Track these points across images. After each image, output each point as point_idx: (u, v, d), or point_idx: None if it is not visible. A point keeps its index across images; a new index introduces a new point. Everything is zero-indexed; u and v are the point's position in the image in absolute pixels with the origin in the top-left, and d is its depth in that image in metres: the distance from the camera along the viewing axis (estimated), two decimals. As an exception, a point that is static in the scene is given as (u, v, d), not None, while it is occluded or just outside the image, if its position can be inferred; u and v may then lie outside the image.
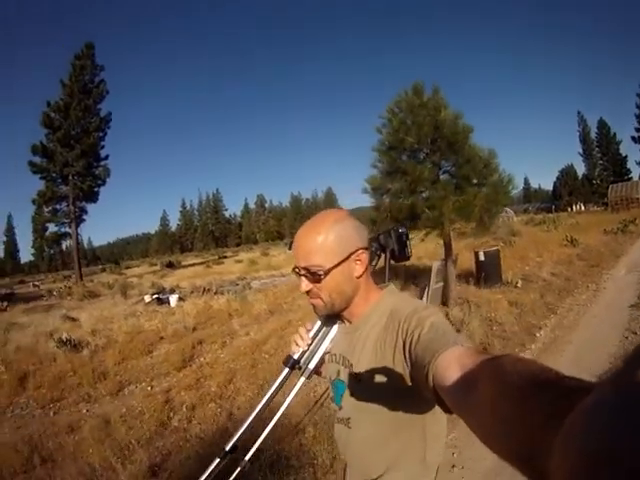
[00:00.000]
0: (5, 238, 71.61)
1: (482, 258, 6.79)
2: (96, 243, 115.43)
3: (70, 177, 20.69)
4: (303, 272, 0.76)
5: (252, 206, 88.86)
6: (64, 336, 5.87)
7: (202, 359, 4.95)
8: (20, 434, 3.33)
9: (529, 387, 0.33)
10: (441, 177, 5.34)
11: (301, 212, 78.87)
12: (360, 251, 0.76)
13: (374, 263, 0.89)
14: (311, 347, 0.91)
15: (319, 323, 0.91)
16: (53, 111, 20.43)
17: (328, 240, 0.74)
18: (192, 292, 10.94)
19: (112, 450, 2.77)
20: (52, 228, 22.10)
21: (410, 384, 0.68)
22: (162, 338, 6.06)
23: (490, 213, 4.94)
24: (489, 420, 0.38)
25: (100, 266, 50.84)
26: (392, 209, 5.00)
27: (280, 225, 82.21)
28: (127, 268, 37.85)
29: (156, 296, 10.34)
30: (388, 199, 5.13)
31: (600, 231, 14.10)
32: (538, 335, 4.32)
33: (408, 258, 0.97)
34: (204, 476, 0.93)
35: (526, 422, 0.31)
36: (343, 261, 0.74)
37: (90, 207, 22.05)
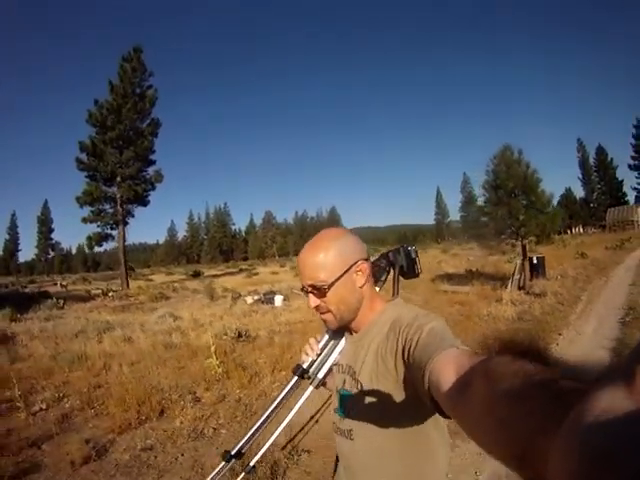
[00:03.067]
0: (8, 236, 74.06)
1: (535, 261, 11.46)
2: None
3: (119, 179, 23.53)
4: (309, 289, 0.90)
5: (256, 222, 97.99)
6: (236, 329, 6.95)
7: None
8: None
9: (525, 388, 0.37)
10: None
11: (306, 230, 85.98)
12: (360, 262, 0.90)
13: (383, 279, 1.01)
14: (320, 357, 1.06)
15: (328, 335, 1.07)
16: (107, 110, 23.23)
17: (329, 256, 0.88)
18: (289, 295, 12.56)
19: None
20: (93, 229, 24.29)
21: (411, 391, 0.76)
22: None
23: (552, 231, 9.63)
24: (484, 420, 0.41)
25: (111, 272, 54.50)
26: (496, 227, 9.59)
27: (285, 242, 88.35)
28: (143, 275, 40.53)
29: (257, 297, 12.39)
30: (493, 221, 9.72)
31: (602, 248, 19.64)
32: (582, 298, 8.93)
33: (417, 275, 1.09)
34: (208, 479, 1.07)
35: (523, 423, 0.34)
36: (344, 273, 0.89)
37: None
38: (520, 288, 10.10)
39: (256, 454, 1.11)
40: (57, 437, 3.73)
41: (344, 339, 1.04)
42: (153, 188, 25.10)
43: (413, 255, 1.08)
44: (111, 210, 24.43)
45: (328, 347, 1.05)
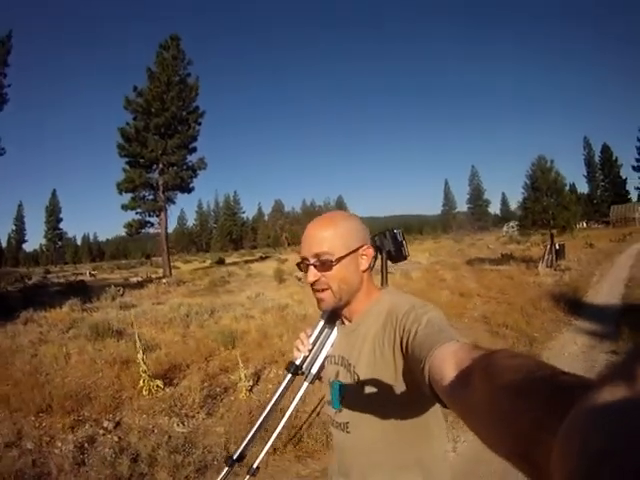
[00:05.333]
0: (14, 227, 76.98)
1: (557, 247, 15.33)
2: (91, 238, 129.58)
3: (161, 165, 25.81)
4: (313, 261, 0.96)
5: (265, 210, 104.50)
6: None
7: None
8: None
9: (526, 383, 0.39)
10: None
11: (314, 219, 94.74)
12: (366, 246, 1.00)
13: (371, 264, 1.04)
14: (312, 352, 1.11)
15: (319, 328, 1.13)
16: (152, 97, 25.33)
17: (339, 232, 0.96)
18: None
19: None
20: (133, 215, 26.46)
21: (409, 382, 0.83)
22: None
23: (574, 224, 13.52)
24: (485, 416, 0.44)
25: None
26: (534, 219, 13.42)
27: (293, 231, 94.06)
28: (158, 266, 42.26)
29: None
30: (531, 214, 13.55)
31: (607, 240, 24.04)
32: (596, 273, 12.82)
33: (405, 258, 1.15)
34: None
35: (524, 419, 0.36)
36: (352, 252, 0.96)
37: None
38: (549, 266, 13.95)
39: (258, 455, 1.18)
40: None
41: (336, 330, 1.10)
42: (195, 175, 27.42)
43: (400, 238, 1.13)
44: (150, 197, 26.69)
45: (320, 340, 1.12)
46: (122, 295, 14.02)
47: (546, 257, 13.87)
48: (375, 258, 1.06)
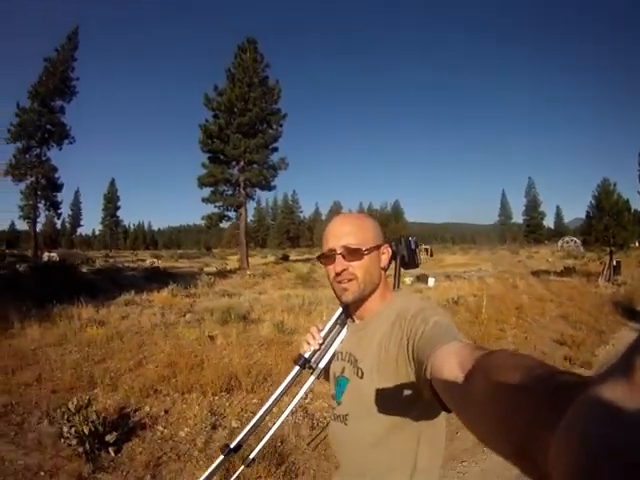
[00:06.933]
0: (70, 211, 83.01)
1: (614, 263, 17.44)
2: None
3: (242, 163, 28.09)
4: (341, 251, 1.01)
5: (322, 210, 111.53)
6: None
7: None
8: None
9: (525, 380, 0.40)
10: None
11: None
12: (385, 245, 1.09)
13: (386, 266, 1.10)
14: (322, 347, 1.16)
15: (330, 323, 1.18)
16: (236, 97, 27.43)
17: (366, 226, 1.06)
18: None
19: None
20: (212, 209, 28.84)
21: (412, 382, 0.86)
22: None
23: (631, 243, 15.75)
24: (483, 412, 0.45)
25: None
26: (597, 236, 15.75)
27: None
28: (222, 258, 44.13)
29: (411, 278, 15.35)
30: (594, 232, 15.89)
31: (660, 259, 25.46)
32: (647, 289, 14.96)
33: (417, 266, 1.19)
34: (207, 472, 1.16)
35: (521, 416, 0.37)
36: (377, 247, 1.05)
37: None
38: (607, 280, 16.18)
39: (256, 447, 1.20)
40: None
41: (346, 328, 1.16)
42: (276, 174, 29.43)
43: (413, 246, 1.17)
44: (229, 192, 29.19)
45: (330, 336, 1.17)
46: (213, 283, 15.04)
47: (605, 272, 16.10)
48: (389, 262, 1.13)
